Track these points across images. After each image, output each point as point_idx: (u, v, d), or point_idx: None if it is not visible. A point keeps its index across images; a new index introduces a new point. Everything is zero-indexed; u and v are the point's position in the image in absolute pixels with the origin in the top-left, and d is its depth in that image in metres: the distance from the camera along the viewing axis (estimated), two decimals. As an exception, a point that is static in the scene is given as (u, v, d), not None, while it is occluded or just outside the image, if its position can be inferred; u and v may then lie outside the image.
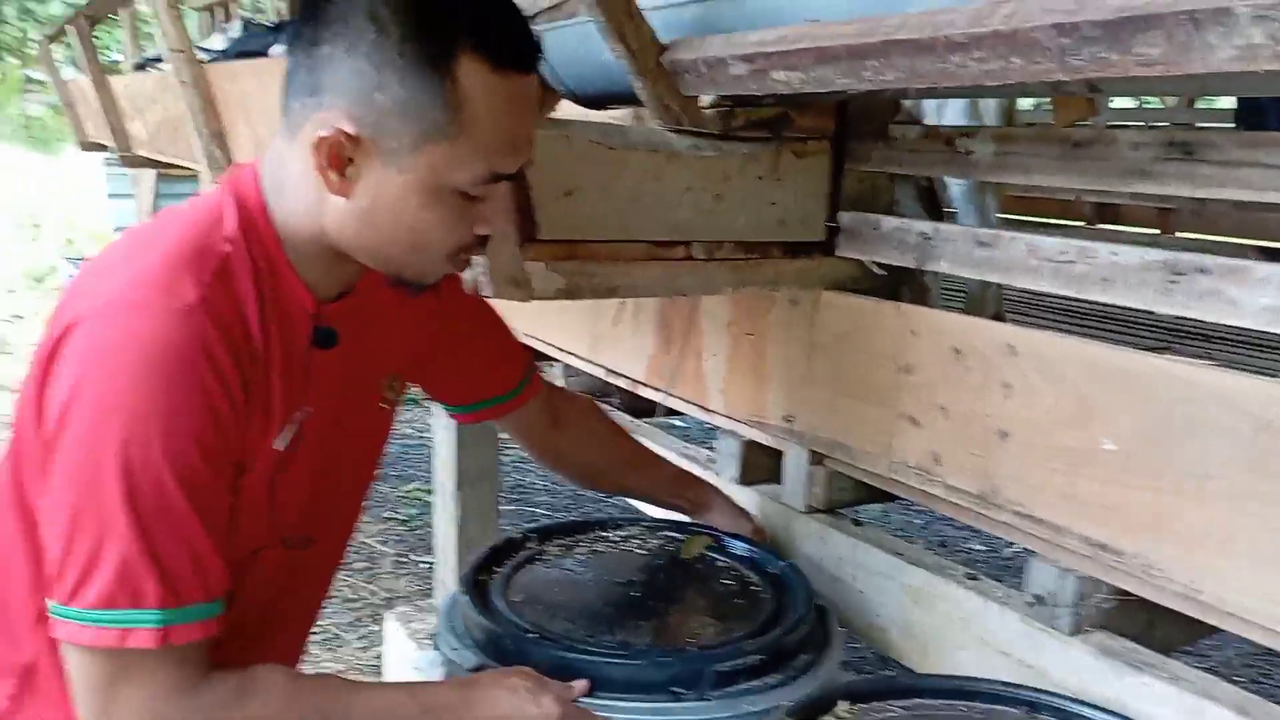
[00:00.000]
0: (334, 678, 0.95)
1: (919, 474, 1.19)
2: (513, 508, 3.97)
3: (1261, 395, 0.87)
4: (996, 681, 1.01)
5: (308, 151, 0.84)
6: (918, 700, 0.97)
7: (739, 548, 1.30)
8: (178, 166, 3.81)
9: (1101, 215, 3.60)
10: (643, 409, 1.93)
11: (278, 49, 3.08)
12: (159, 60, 3.74)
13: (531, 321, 2.01)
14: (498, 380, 1.24)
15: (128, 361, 0.80)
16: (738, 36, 1.07)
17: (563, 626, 1.10)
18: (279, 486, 0.94)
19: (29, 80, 15.91)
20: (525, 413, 1.27)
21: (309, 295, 0.92)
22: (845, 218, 1.32)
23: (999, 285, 1.57)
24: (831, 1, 0.98)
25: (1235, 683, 0.96)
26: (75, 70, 5.57)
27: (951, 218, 1.59)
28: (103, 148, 5.00)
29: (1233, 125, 3.09)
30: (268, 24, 3.84)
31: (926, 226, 1.22)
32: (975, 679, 1.02)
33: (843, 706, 0.94)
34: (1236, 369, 0.93)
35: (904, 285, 1.34)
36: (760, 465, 1.51)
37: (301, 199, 0.88)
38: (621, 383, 1.77)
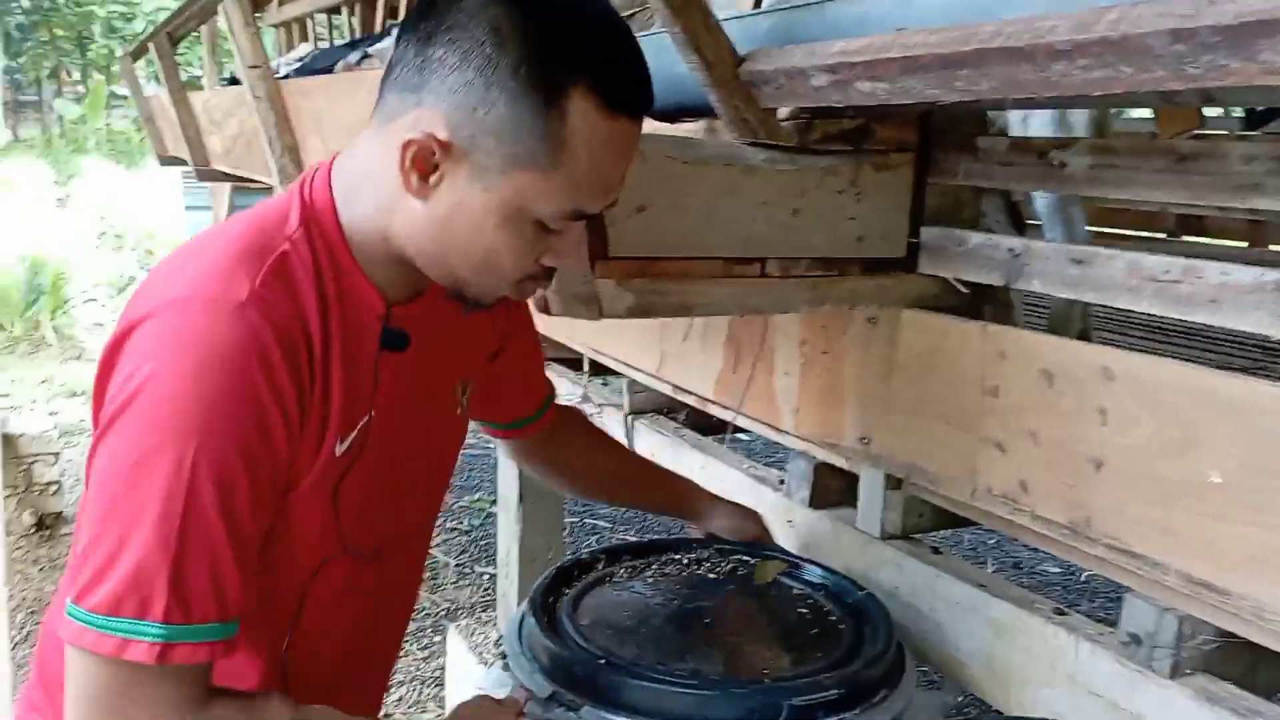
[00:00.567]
0: (335, 713, 0.90)
1: (1005, 502, 1.14)
2: (575, 519, 3.96)
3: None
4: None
5: (395, 147, 0.82)
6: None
7: (814, 574, 1.26)
8: (252, 180, 3.89)
9: (1185, 226, 3.44)
10: (708, 426, 1.90)
11: (353, 58, 3.13)
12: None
13: (596, 336, 1.99)
14: (531, 400, 1.24)
15: (179, 361, 0.78)
16: (820, 46, 1.03)
17: (631, 652, 1.07)
18: (342, 492, 0.91)
19: (113, 95, 16.52)
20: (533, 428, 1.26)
21: (379, 296, 0.90)
22: (928, 233, 1.27)
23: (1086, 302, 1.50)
24: (921, 9, 0.94)
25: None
26: (157, 86, 5.73)
27: (1036, 232, 1.53)
28: (181, 162, 5.12)
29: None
30: (342, 42, 3.90)
31: (1016, 243, 1.16)
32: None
33: None
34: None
35: (986, 303, 1.29)
36: (832, 488, 1.46)
37: (374, 195, 0.86)
38: (689, 400, 1.74)
